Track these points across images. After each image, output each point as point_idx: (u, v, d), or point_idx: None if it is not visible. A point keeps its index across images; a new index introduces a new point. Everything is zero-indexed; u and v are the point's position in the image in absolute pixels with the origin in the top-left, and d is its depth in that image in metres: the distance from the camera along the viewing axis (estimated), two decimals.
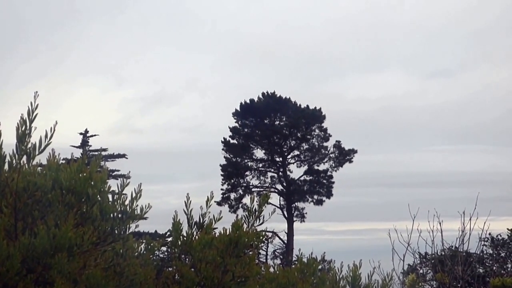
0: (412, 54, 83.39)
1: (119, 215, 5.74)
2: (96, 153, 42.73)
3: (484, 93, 79.99)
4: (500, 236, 31.01)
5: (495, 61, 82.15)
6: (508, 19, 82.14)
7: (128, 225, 5.83)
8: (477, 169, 66.97)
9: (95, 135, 45.07)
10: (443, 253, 16.44)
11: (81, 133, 44.76)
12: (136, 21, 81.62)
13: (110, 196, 5.80)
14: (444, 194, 65.05)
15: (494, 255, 27.92)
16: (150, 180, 50.29)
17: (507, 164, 69.05)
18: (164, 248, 9.47)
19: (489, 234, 27.57)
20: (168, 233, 25.76)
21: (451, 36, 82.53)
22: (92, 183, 5.62)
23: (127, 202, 5.80)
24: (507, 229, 31.84)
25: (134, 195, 5.81)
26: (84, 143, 44.42)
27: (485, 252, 27.67)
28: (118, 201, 5.78)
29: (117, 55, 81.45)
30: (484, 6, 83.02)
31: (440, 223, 15.50)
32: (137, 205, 5.81)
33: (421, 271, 20.82)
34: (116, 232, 5.74)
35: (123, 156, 44.31)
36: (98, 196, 5.67)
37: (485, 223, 15.68)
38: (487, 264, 26.65)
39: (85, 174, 5.64)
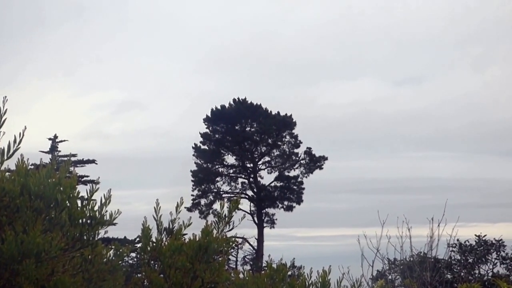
0: (383, 61, 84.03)
1: (88, 221, 5.72)
2: (65, 158, 42.29)
3: (453, 100, 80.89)
4: (468, 242, 31.36)
5: (463, 70, 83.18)
6: (476, 30, 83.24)
7: (97, 231, 5.80)
8: (446, 175, 67.61)
9: (64, 141, 44.65)
10: (411, 259, 16.59)
11: (50, 139, 44.32)
12: (106, 26, 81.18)
13: (79, 202, 5.77)
14: (413, 200, 65.55)
15: (462, 261, 28.24)
16: (119, 186, 49.86)
17: (475, 170, 69.93)
18: (133, 254, 9.45)
19: (457, 240, 27.89)
20: (138, 239, 25.62)
21: (421, 44, 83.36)
22: (61, 188, 5.59)
23: (96, 208, 5.77)
24: (475, 235, 32.20)
25: (103, 201, 5.79)
26: (53, 149, 43.97)
27: (453, 258, 28.00)
28: (87, 206, 5.75)
29: (86, 60, 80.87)
30: (453, 17, 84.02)
31: (409, 229, 15.66)
32: (106, 211, 5.79)
33: (390, 277, 20.94)
34: (85, 238, 5.71)
35: (93, 161, 43.90)
36: (67, 202, 5.63)
37: (453, 229, 15.88)
38: (455, 270, 26.95)
39: (54, 180, 5.60)
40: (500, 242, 32.66)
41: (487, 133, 77.42)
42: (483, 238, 32.36)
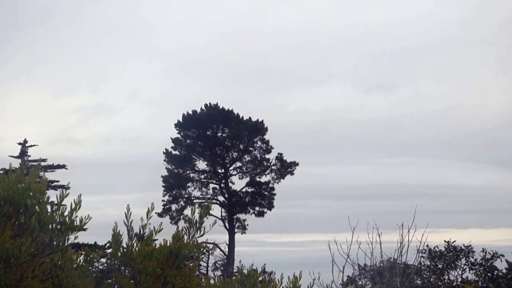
0: (353, 68, 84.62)
1: (58, 226, 5.68)
2: (35, 163, 41.91)
3: (423, 107, 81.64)
4: (438, 248, 31.59)
5: (433, 77, 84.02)
6: (447, 36, 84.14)
7: (67, 236, 5.76)
8: (415, 182, 68.06)
9: (34, 145, 44.23)
10: (381, 264, 16.68)
11: (19, 143, 43.89)
12: (76, 30, 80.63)
13: (49, 207, 5.73)
14: (383, 206, 65.97)
15: (432, 267, 28.45)
16: (90, 191, 49.51)
17: (445, 177, 70.49)
18: (103, 260, 9.37)
19: (427, 246, 28.02)
20: (108, 244, 25.46)
21: (390, 51, 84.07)
22: (31, 193, 5.55)
23: (66, 213, 5.74)
24: (444, 241, 32.45)
25: (73, 206, 5.75)
26: (23, 153, 43.55)
27: (422, 263, 28.18)
28: (57, 212, 5.71)
29: (56, 64, 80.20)
30: (422, 24, 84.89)
31: (379, 235, 15.77)
32: (77, 216, 5.76)
33: (360, 283, 21.05)
34: (55, 243, 5.67)
35: (63, 166, 43.53)
36: (37, 207, 5.59)
37: (423, 235, 16.01)
38: (424, 275, 27.12)
39: (23, 185, 5.56)
40: (469, 248, 32.93)
41: (457, 140, 78.32)
42: (453, 244, 32.62)
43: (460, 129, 78.79)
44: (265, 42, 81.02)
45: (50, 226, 5.62)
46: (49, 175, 41.82)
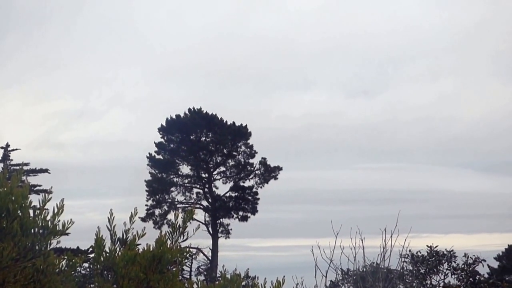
0: (336, 74, 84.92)
1: (40, 231, 5.65)
2: (17, 167, 41.65)
3: (406, 113, 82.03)
4: (420, 252, 31.72)
5: (416, 83, 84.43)
6: (428, 44, 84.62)
7: (49, 241, 5.73)
8: (398, 187, 68.39)
9: (16, 149, 43.99)
10: (364, 269, 16.71)
11: (2, 147, 43.62)
12: (59, 33, 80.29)
13: (31, 211, 5.70)
14: (366, 211, 66.14)
15: (414, 272, 28.54)
16: (73, 195, 49.43)
17: (427, 182, 70.80)
18: (86, 265, 9.33)
19: (409, 250, 28.11)
20: (91, 249, 25.32)
21: (373, 58, 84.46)
22: (13, 198, 5.52)
23: (48, 218, 5.71)
24: (427, 246, 32.60)
25: (56, 210, 5.73)
26: (5, 157, 43.27)
27: (405, 268, 28.24)
28: (40, 216, 5.68)
29: (38, 68, 79.81)
30: (406, 31, 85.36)
31: (362, 240, 15.78)
32: (59, 221, 5.73)
33: (343, 287, 21.07)
34: (37, 248, 5.64)
35: (46, 171, 43.29)
36: (19, 211, 5.56)
37: (405, 240, 16.04)
38: (407, 280, 27.21)
39: (5, 189, 5.53)
40: (452, 253, 33.08)
41: (439, 146, 78.75)
42: (435, 249, 32.78)
43: (442, 135, 79.29)
44: (248, 48, 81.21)
45: (32, 231, 5.59)
46: (32, 179, 41.56)
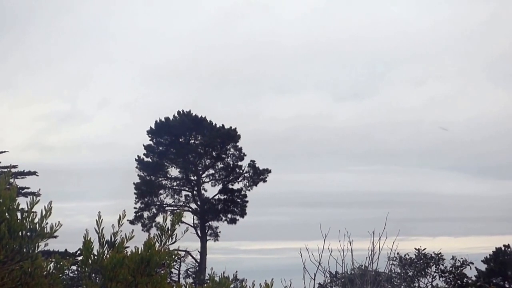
0: (325, 77, 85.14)
1: (28, 233, 5.64)
2: (5, 170, 41.49)
3: (393, 116, 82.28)
4: (408, 255, 31.88)
5: (403, 87, 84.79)
6: (418, 46, 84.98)
7: (37, 244, 5.72)
8: (387, 190, 68.48)
9: (4, 152, 43.78)
10: (353, 272, 16.74)
11: None
12: (47, 36, 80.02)
13: (19, 214, 5.69)
14: (355, 214, 66.24)
15: (402, 274, 28.66)
16: (61, 198, 49.06)
17: (416, 185, 70.99)
18: (74, 267, 9.31)
19: (398, 253, 28.25)
20: (79, 252, 25.22)
21: (362, 60, 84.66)
22: (1, 200, 5.51)
23: (36, 220, 5.70)
24: (415, 248, 32.77)
25: (44, 213, 5.72)
26: None
27: (393, 271, 28.35)
28: (27, 219, 5.67)
29: (27, 70, 79.49)
30: (393, 35, 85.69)
31: (350, 243, 15.79)
32: (47, 223, 5.72)
33: None
34: (25, 250, 5.63)
35: (34, 173, 43.09)
36: (7, 214, 5.55)
37: (393, 242, 16.06)
38: (395, 283, 27.29)
39: None
40: (439, 255, 33.32)
41: (428, 149, 78.96)
42: (423, 252, 32.94)
43: (431, 138, 79.40)
44: (238, 50, 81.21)
45: (20, 233, 5.58)
46: (20, 182, 41.36)
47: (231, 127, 50.60)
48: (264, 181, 50.72)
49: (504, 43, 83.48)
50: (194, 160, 50.57)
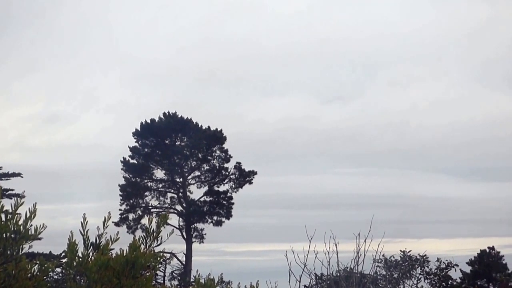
0: (311, 79, 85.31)
1: (12, 235, 5.60)
2: None
3: (379, 118, 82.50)
4: (393, 257, 31.96)
5: (388, 89, 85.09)
6: (403, 49, 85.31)
7: (21, 246, 5.69)
8: (372, 192, 68.72)
9: None
10: (338, 274, 16.76)
11: None
12: (32, 37, 79.66)
13: (3, 216, 5.65)
14: (340, 216, 66.42)
15: (387, 276, 28.73)
16: (46, 199, 48.98)
17: (401, 187, 71.30)
18: (58, 269, 9.25)
19: (383, 255, 28.32)
20: (63, 254, 25.10)
21: (348, 63, 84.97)
22: None
23: (20, 222, 5.67)
24: (400, 250, 32.86)
25: (28, 215, 5.68)
26: None
27: (378, 273, 28.41)
28: (12, 221, 5.64)
29: (10, 71, 79.06)
30: (378, 38, 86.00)
31: (336, 245, 15.79)
32: (31, 225, 5.69)
33: None
34: (9, 252, 5.59)
35: (18, 175, 42.90)
36: None
37: (379, 245, 16.08)
38: (380, 285, 27.36)
39: None
40: (424, 257, 33.42)
41: (413, 151, 79.31)
42: (408, 254, 33.05)
43: (416, 140, 79.83)
44: (224, 52, 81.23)
45: (4, 235, 5.55)
46: (4, 183, 41.18)
47: (217, 129, 50.59)
48: (250, 183, 50.76)
49: (490, 46, 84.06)
50: (179, 162, 50.49)
